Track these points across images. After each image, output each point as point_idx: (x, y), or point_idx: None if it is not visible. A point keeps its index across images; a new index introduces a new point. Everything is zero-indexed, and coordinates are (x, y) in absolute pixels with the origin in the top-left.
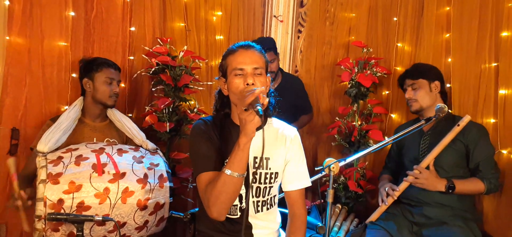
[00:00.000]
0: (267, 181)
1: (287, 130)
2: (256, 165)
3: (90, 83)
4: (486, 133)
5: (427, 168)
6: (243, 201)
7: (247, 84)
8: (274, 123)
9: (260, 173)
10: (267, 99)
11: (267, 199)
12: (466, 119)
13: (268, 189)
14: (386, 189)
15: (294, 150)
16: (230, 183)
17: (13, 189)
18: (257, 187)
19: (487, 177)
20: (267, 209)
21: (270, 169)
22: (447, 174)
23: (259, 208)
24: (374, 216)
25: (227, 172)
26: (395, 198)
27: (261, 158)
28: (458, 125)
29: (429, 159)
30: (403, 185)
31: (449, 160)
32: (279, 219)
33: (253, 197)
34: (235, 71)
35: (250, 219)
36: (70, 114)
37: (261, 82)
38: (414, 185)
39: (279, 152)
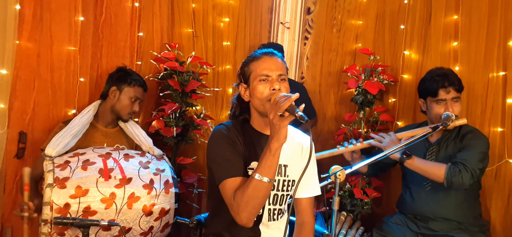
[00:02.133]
0: (285, 188)
1: (302, 138)
2: (279, 171)
3: (117, 93)
4: (487, 144)
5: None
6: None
7: (274, 89)
8: (290, 130)
9: (278, 180)
10: (303, 105)
11: (283, 207)
12: (462, 121)
13: (285, 196)
14: (351, 140)
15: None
16: (260, 189)
17: (23, 198)
18: (275, 195)
19: (456, 161)
20: (281, 217)
21: (288, 176)
22: None
23: (275, 216)
24: (322, 155)
25: (258, 177)
26: (357, 148)
27: (307, 165)
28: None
29: (406, 134)
30: (370, 142)
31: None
32: (287, 227)
33: (269, 204)
34: (260, 77)
35: (261, 227)
36: (82, 120)
37: (285, 88)
38: (374, 144)
39: (296, 159)
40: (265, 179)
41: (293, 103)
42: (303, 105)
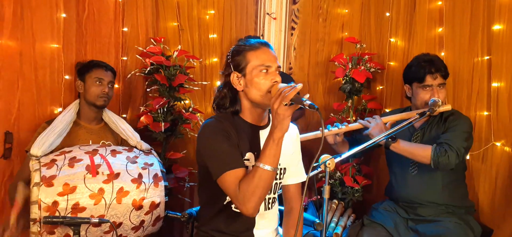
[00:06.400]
0: (278, 176)
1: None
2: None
3: (82, 84)
4: (470, 124)
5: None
6: None
7: (275, 81)
8: None
9: None
10: (308, 95)
11: (276, 195)
12: (446, 107)
13: (277, 185)
14: (336, 123)
15: (295, 146)
16: (266, 178)
17: (10, 217)
18: None
19: (441, 142)
20: (273, 205)
21: (280, 164)
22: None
23: (270, 205)
24: (306, 137)
25: (263, 166)
26: (342, 131)
27: (318, 155)
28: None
29: (391, 118)
30: (355, 125)
31: None
32: (278, 216)
33: None
34: (261, 68)
35: (256, 217)
36: (65, 118)
37: (280, 81)
38: (361, 127)
39: (286, 147)
40: (269, 168)
41: (298, 93)
42: (308, 95)
